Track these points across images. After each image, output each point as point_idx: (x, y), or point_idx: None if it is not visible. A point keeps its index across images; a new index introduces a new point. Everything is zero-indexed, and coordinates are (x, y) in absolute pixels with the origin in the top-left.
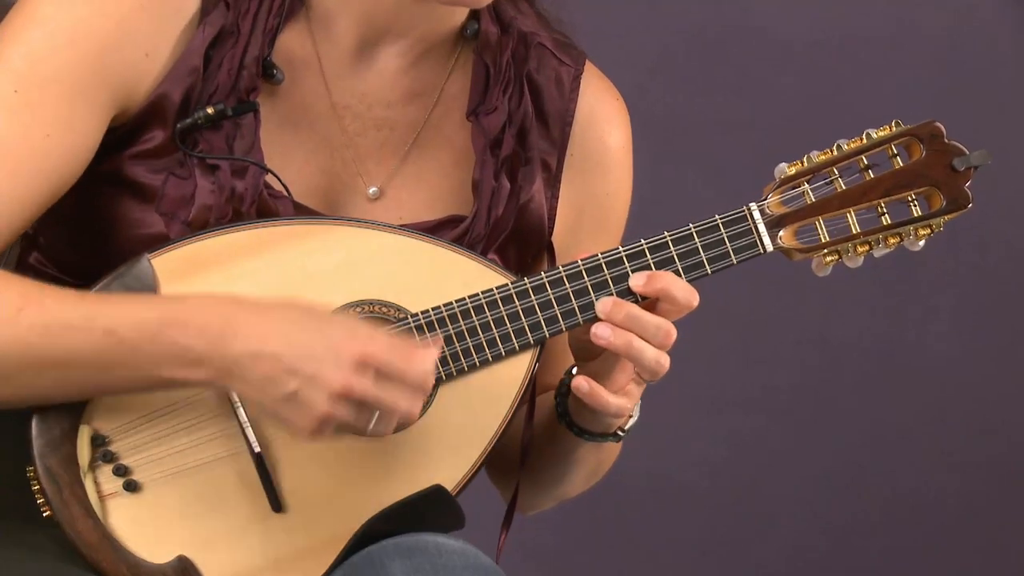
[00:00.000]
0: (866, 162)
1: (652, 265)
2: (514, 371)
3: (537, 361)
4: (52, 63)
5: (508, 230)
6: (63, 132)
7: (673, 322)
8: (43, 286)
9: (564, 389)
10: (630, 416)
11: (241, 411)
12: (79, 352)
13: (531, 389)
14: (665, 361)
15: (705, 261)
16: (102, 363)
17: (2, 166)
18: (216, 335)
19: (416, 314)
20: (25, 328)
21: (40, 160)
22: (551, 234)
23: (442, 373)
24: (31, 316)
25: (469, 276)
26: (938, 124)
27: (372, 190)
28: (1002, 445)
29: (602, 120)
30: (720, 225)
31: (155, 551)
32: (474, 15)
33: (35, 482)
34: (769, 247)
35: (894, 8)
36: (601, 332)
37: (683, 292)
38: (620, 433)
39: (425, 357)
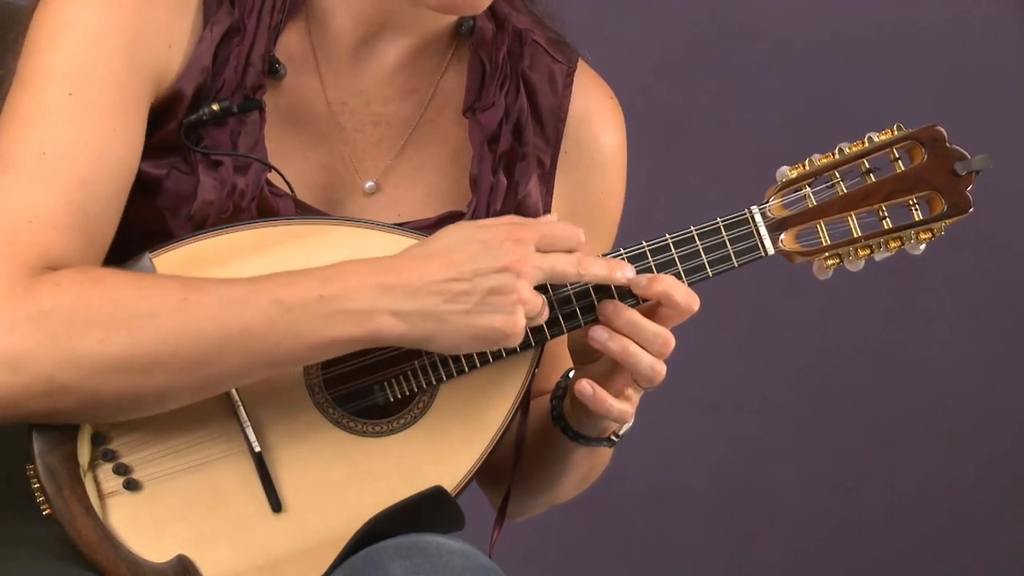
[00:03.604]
0: (867, 166)
1: (653, 267)
2: (514, 372)
3: (538, 362)
4: (91, 60)
5: None
6: (124, 124)
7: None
8: (197, 277)
9: (560, 392)
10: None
11: (241, 410)
12: (252, 324)
13: (528, 389)
14: (661, 369)
15: (706, 263)
16: (276, 332)
17: (91, 166)
18: (379, 287)
19: None
20: (194, 313)
21: (114, 153)
22: None
23: (443, 374)
24: (197, 301)
25: None
26: (940, 128)
27: (368, 184)
28: (1003, 447)
29: (596, 118)
30: (721, 227)
31: (155, 550)
32: None
33: (35, 480)
34: (770, 250)
35: (895, 8)
36: (598, 336)
37: (683, 296)
38: (614, 438)
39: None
